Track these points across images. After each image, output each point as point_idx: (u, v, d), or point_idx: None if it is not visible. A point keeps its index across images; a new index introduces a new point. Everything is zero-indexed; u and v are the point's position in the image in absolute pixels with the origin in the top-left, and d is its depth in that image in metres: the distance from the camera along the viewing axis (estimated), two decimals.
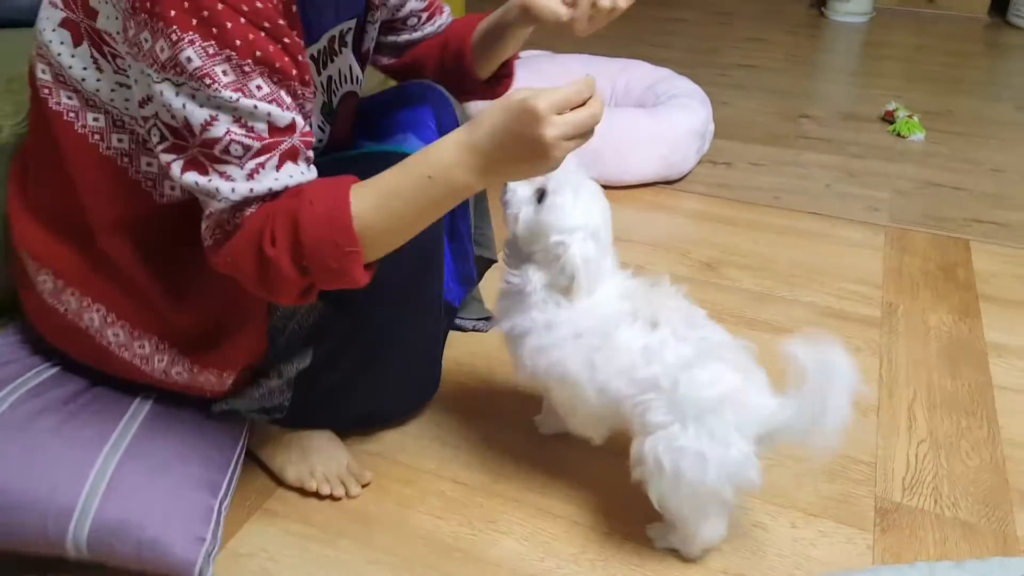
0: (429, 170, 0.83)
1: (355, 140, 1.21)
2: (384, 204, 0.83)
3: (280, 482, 1.17)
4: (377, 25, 1.15)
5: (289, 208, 0.82)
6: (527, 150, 0.81)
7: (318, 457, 1.16)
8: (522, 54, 2.69)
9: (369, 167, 0.86)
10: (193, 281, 0.98)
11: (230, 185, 0.81)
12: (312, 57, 1.01)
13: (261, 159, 0.81)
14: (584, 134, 0.82)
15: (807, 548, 1.07)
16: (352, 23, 1.07)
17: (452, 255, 1.33)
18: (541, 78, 2.39)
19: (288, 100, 0.83)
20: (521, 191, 1.02)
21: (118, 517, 0.96)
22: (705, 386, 0.93)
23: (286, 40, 0.81)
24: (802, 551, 1.07)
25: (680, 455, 0.93)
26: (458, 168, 0.83)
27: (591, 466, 1.19)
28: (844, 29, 3.82)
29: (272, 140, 0.82)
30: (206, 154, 0.81)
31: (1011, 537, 1.09)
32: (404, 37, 1.22)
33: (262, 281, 0.85)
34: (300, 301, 0.88)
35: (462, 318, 1.50)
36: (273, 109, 0.81)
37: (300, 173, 0.85)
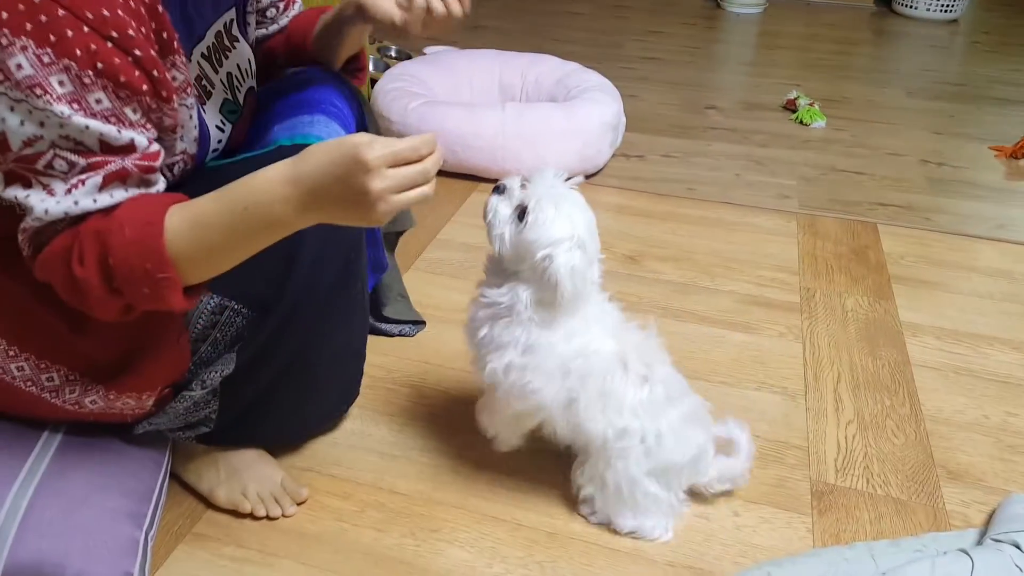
0: (246, 202, 0.79)
1: (260, 127, 1.15)
2: (199, 235, 0.79)
3: (209, 504, 1.10)
4: (255, 15, 1.11)
5: (98, 229, 0.77)
6: (351, 199, 0.78)
7: (249, 476, 1.10)
8: (428, 50, 2.67)
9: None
10: None
11: (52, 200, 0.76)
12: (204, 56, 0.96)
13: (84, 176, 0.77)
14: (413, 189, 0.79)
15: (749, 535, 1.09)
16: (232, 13, 1.02)
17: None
18: (449, 74, 2.36)
19: (133, 116, 0.78)
20: (502, 210, 0.99)
21: (34, 557, 0.88)
22: (685, 448, 1.05)
23: (137, 52, 0.76)
24: (745, 538, 1.08)
25: (639, 492, 1.05)
26: (278, 204, 0.79)
27: (530, 466, 1.17)
28: (739, 20, 3.94)
29: (100, 159, 0.77)
30: (27, 168, 0.76)
31: (940, 511, 1.13)
32: (261, 31, 1.18)
33: (74, 297, 0.81)
34: (123, 318, 0.84)
35: (388, 321, 1.46)
36: (107, 129, 0.76)
37: (125, 196, 0.80)
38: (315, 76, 1.15)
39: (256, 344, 1.01)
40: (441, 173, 2.05)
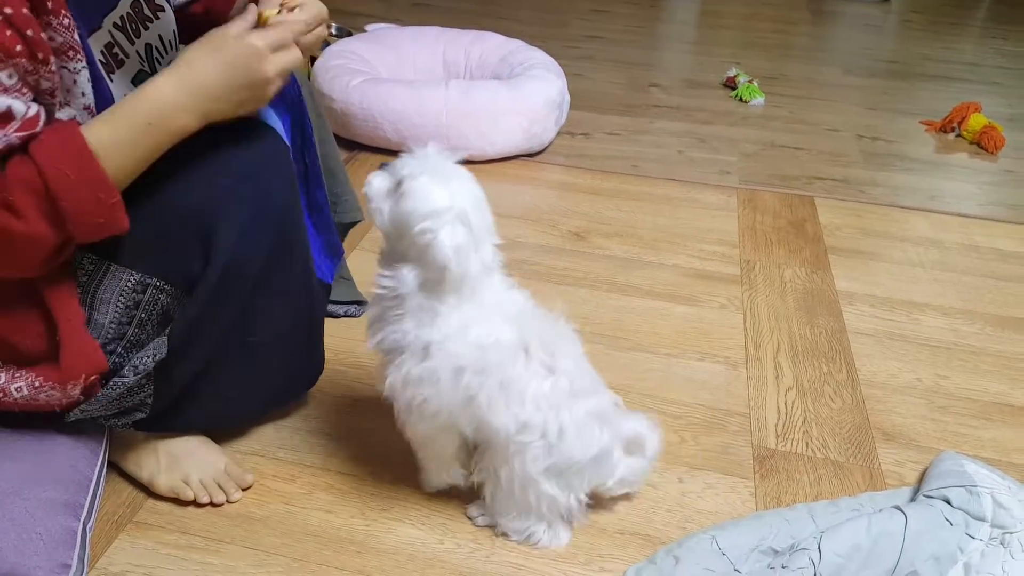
0: (149, 118, 0.84)
1: None
2: (115, 154, 0.83)
3: (151, 493, 1.08)
4: None
5: (26, 179, 0.78)
6: (238, 72, 0.86)
7: (191, 463, 1.08)
8: (369, 27, 2.64)
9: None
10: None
11: None
12: (116, 25, 0.94)
13: None
14: (288, 49, 0.88)
15: (695, 501, 1.11)
16: None
17: (315, 228, 1.26)
18: (392, 52, 2.33)
19: (8, 82, 0.76)
20: (378, 182, 0.94)
21: None
22: (587, 446, 0.97)
23: (7, 10, 0.73)
24: (691, 504, 1.10)
25: (536, 494, 0.99)
26: (179, 113, 0.85)
27: None
28: (680, 0, 3.97)
29: None
30: None
31: (876, 472, 1.17)
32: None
33: (7, 262, 0.83)
34: (52, 264, 0.85)
35: (334, 302, 1.44)
36: None
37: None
38: None
39: (185, 322, 0.97)
40: (385, 151, 2.04)
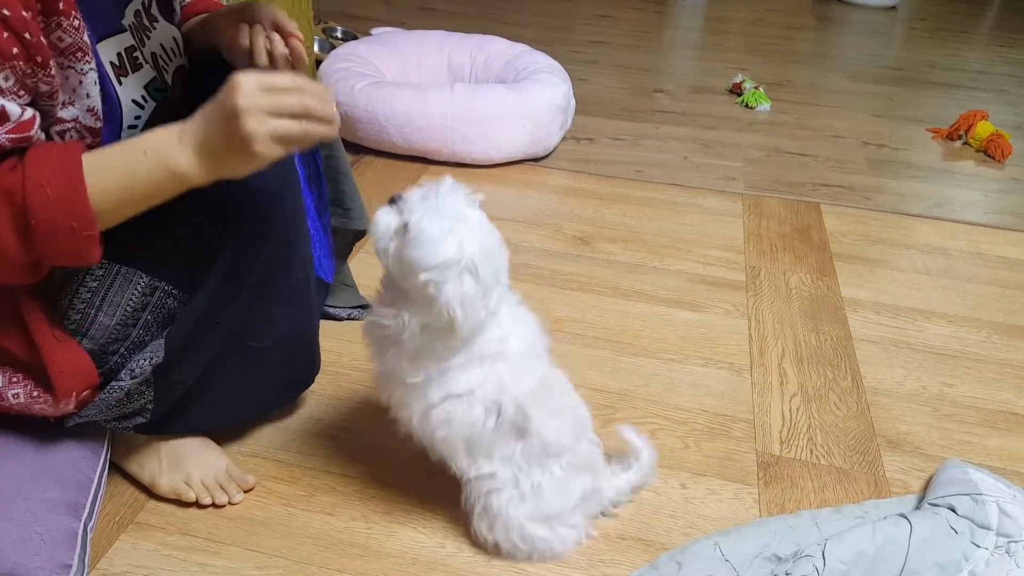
0: (146, 147, 0.80)
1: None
2: (107, 186, 0.79)
3: (153, 494, 1.08)
4: None
5: (8, 189, 0.75)
6: (229, 128, 0.78)
7: (193, 464, 1.08)
8: (374, 31, 2.64)
9: None
10: None
11: None
12: (132, 26, 0.94)
13: None
14: (290, 117, 0.79)
15: (698, 506, 1.10)
16: None
17: (324, 231, 1.27)
18: (397, 55, 2.33)
19: (4, 84, 0.75)
20: (384, 221, 0.91)
21: None
22: (567, 497, 0.99)
23: (5, 12, 0.73)
24: (694, 510, 1.10)
25: (520, 538, 0.99)
26: (175, 150, 0.80)
27: None
28: (687, 5, 3.97)
29: None
30: None
31: (881, 479, 1.16)
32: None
33: None
34: (27, 280, 0.83)
35: (336, 307, 1.44)
36: None
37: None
38: None
39: (184, 326, 0.97)
40: (390, 155, 2.04)
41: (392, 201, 0.92)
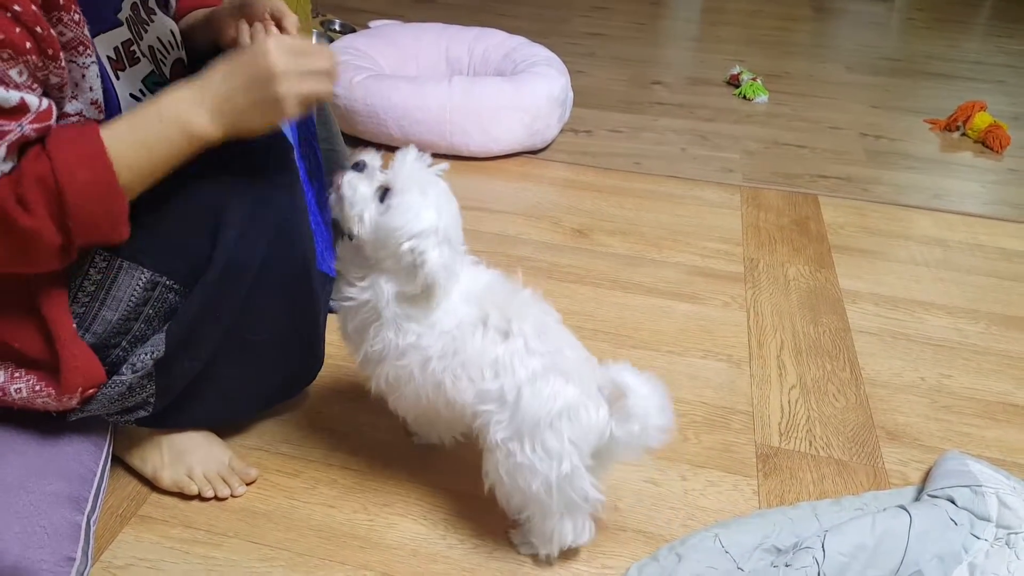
0: (164, 112, 0.84)
1: None
2: (128, 157, 0.82)
3: (155, 487, 1.08)
4: None
5: (40, 176, 0.77)
6: (258, 87, 0.84)
7: (195, 457, 1.08)
8: (373, 24, 2.63)
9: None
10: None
11: None
12: (129, 20, 0.94)
13: None
14: (314, 78, 0.86)
15: (697, 498, 1.11)
16: None
17: (325, 225, 1.27)
18: (395, 48, 2.33)
19: (19, 78, 0.76)
20: (362, 187, 0.91)
21: None
22: (545, 400, 0.89)
23: (16, 8, 0.73)
24: (693, 501, 1.10)
25: (517, 471, 0.91)
26: (192, 109, 0.84)
27: None
28: None
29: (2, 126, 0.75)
30: None
31: (880, 471, 1.17)
32: None
33: (14, 251, 0.81)
34: (59, 264, 0.85)
35: (334, 300, 1.44)
36: None
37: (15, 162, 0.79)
38: None
39: (185, 319, 0.97)
40: (388, 147, 2.03)
41: (357, 167, 0.93)
